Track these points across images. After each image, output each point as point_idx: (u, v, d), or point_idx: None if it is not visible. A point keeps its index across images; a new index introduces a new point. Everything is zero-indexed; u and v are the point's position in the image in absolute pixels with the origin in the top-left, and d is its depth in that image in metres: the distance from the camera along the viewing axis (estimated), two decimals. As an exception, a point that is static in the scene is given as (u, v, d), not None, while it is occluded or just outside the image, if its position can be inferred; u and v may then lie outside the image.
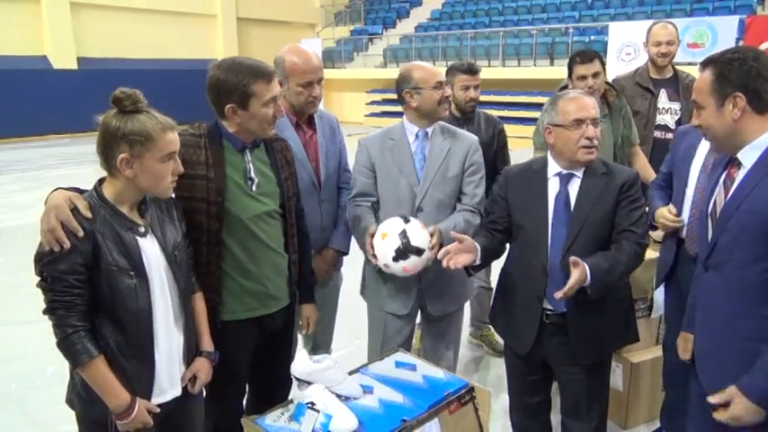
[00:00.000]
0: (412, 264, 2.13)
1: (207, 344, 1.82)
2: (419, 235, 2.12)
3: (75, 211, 1.49)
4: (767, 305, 1.52)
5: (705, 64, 1.61)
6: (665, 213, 2.36)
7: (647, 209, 2.15)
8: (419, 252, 2.11)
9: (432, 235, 2.17)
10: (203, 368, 1.77)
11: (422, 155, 2.35)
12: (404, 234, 2.10)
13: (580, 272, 1.82)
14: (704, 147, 2.23)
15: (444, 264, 1.96)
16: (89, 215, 1.50)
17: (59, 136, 14.39)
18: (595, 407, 2.12)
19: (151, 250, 1.61)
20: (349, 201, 2.46)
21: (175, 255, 1.67)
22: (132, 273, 1.54)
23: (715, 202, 1.66)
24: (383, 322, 2.44)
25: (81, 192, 1.57)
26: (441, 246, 2.20)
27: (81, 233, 1.47)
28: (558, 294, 1.85)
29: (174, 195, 1.77)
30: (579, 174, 2.02)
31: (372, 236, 2.20)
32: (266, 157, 2.02)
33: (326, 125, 2.50)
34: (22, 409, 3.05)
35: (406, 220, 2.15)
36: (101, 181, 1.60)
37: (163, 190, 1.62)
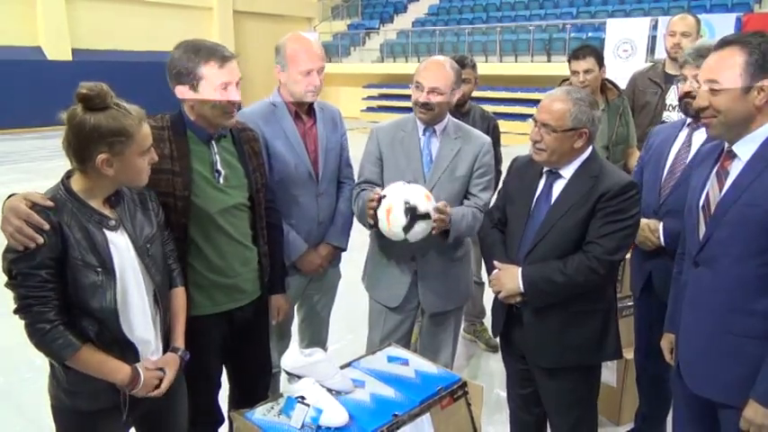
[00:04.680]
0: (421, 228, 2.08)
1: (178, 340, 1.75)
2: (422, 201, 2.08)
3: (35, 207, 1.43)
4: (760, 300, 1.51)
5: (730, 43, 1.52)
6: (649, 226, 2.18)
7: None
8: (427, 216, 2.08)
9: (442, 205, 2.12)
10: (170, 364, 1.66)
11: (429, 150, 2.32)
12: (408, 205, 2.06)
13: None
14: (678, 143, 2.18)
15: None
16: (49, 204, 1.45)
17: (53, 128, 14.26)
18: (564, 411, 2.06)
19: (121, 244, 1.56)
20: (354, 187, 2.44)
21: (147, 248, 1.62)
22: (99, 269, 1.49)
23: (707, 195, 1.63)
24: (383, 316, 2.42)
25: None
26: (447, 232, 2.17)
27: (47, 226, 1.42)
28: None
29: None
30: (566, 173, 1.94)
31: (375, 206, 2.12)
32: (233, 148, 1.97)
33: (328, 117, 2.45)
34: (13, 401, 3.02)
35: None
36: (68, 174, 1.55)
37: (141, 181, 1.58)
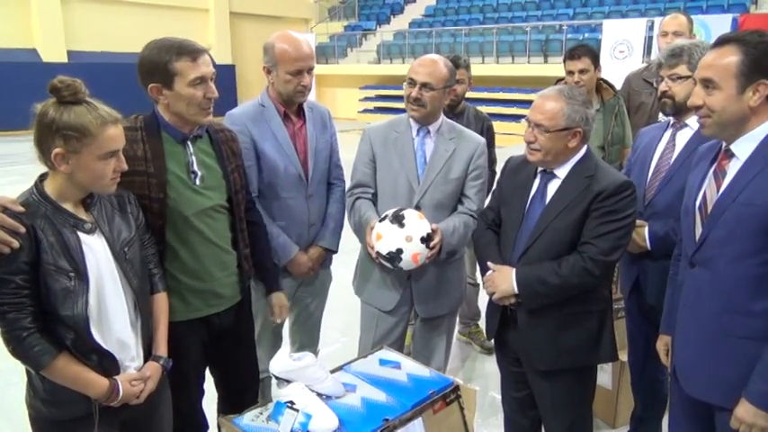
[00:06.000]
0: (418, 249, 2.09)
1: (160, 348, 1.71)
2: (418, 226, 2.09)
3: (6, 212, 1.39)
4: (758, 300, 1.48)
5: (727, 41, 1.48)
6: (636, 230, 2.10)
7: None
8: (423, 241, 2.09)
9: (433, 230, 2.13)
10: (152, 374, 1.64)
11: (423, 151, 2.29)
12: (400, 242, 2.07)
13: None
14: (663, 143, 2.17)
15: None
16: (20, 209, 1.41)
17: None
18: (559, 413, 2.03)
19: (98, 248, 1.52)
20: (347, 192, 2.41)
21: (125, 251, 1.58)
22: (72, 274, 1.44)
23: (704, 195, 1.60)
24: (375, 319, 2.39)
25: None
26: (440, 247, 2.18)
27: (22, 229, 1.39)
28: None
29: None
30: (561, 173, 1.92)
31: (373, 229, 2.15)
32: (210, 148, 1.92)
33: (317, 117, 2.42)
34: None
35: (401, 225, 2.08)
36: (42, 177, 1.52)
37: (103, 187, 1.53)
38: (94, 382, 1.50)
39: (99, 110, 1.46)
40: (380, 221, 2.14)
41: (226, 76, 16.91)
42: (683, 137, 2.11)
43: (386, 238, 2.09)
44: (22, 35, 14.87)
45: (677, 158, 2.09)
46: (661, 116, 3.25)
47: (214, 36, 18.30)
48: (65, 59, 15.28)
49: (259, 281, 2.18)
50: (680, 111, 2.09)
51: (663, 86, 2.11)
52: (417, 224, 2.09)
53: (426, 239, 2.09)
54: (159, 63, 1.71)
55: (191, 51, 1.73)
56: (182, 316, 1.88)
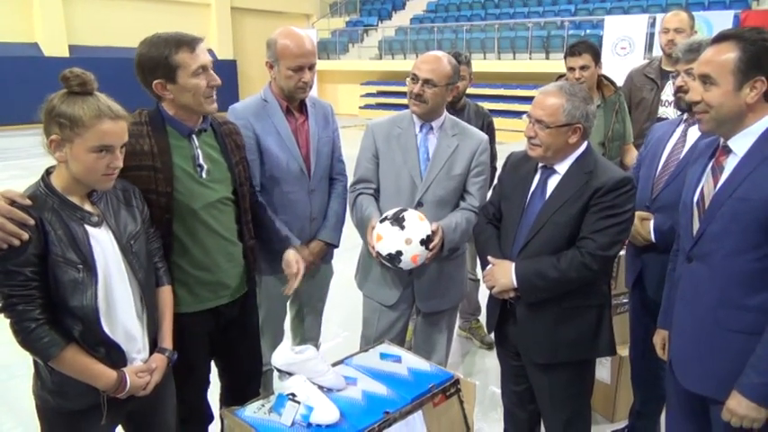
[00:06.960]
0: (418, 251, 2.10)
1: (166, 341, 1.71)
2: (418, 228, 2.10)
3: (14, 204, 1.41)
4: (753, 295, 1.50)
5: (726, 38, 1.50)
6: (641, 223, 2.16)
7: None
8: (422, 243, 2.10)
9: (433, 232, 2.15)
10: (159, 365, 1.65)
11: (426, 147, 2.30)
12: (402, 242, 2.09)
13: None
14: (674, 138, 2.17)
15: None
16: (27, 202, 1.43)
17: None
18: (558, 407, 2.05)
19: (105, 241, 1.54)
20: (350, 187, 2.42)
21: (131, 245, 1.60)
22: (80, 266, 1.46)
23: (702, 190, 1.62)
24: (377, 314, 2.41)
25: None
26: (442, 244, 2.19)
27: (31, 221, 1.40)
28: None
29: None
30: (561, 169, 1.93)
31: (374, 229, 2.17)
32: (215, 141, 1.93)
33: (320, 113, 2.43)
34: (3, 398, 3.01)
35: (401, 227, 2.09)
36: (49, 170, 1.53)
37: (96, 183, 1.52)
38: (102, 374, 1.51)
39: (100, 103, 1.46)
40: (381, 222, 2.15)
41: (227, 72, 16.90)
42: (695, 132, 2.10)
43: (386, 239, 2.10)
44: (24, 30, 14.85)
45: (687, 153, 2.09)
46: (662, 111, 3.27)
47: (215, 31, 18.29)
48: (66, 54, 15.27)
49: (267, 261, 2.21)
50: None
51: (679, 81, 2.11)
52: (417, 226, 2.11)
53: (426, 241, 2.11)
54: (159, 58, 1.72)
55: (188, 42, 1.74)
56: (190, 307, 1.89)
